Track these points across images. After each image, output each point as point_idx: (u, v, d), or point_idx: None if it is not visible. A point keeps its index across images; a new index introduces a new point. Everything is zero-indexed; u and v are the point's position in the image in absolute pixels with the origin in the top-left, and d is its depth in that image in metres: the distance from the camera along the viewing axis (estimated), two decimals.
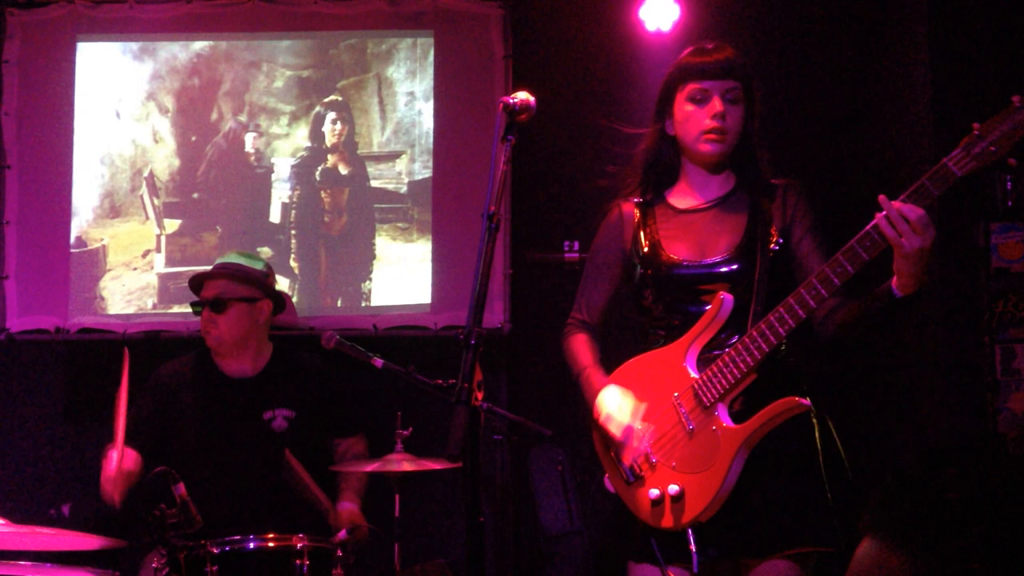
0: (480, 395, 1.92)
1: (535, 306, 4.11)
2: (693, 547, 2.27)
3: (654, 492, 2.33)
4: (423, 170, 4.23)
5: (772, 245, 2.38)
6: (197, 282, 3.44)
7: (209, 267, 3.54)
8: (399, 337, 4.05)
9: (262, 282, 3.43)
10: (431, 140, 4.21)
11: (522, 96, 2.15)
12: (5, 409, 4.07)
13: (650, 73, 4.07)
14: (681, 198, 2.51)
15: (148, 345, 4.07)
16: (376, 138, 4.27)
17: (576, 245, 4.12)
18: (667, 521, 2.31)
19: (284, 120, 4.28)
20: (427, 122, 4.23)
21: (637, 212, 2.51)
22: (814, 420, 2.35)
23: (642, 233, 2.48)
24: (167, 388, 3.38)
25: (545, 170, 4.13)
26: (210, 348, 3.41)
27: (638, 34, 4.12)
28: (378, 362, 3.01)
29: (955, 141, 2.05)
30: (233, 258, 3.49)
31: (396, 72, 4.28)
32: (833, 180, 3.81)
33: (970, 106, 3.53)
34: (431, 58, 4.24)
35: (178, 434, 3.33)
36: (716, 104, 2.39)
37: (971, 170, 2.04)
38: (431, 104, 4.22)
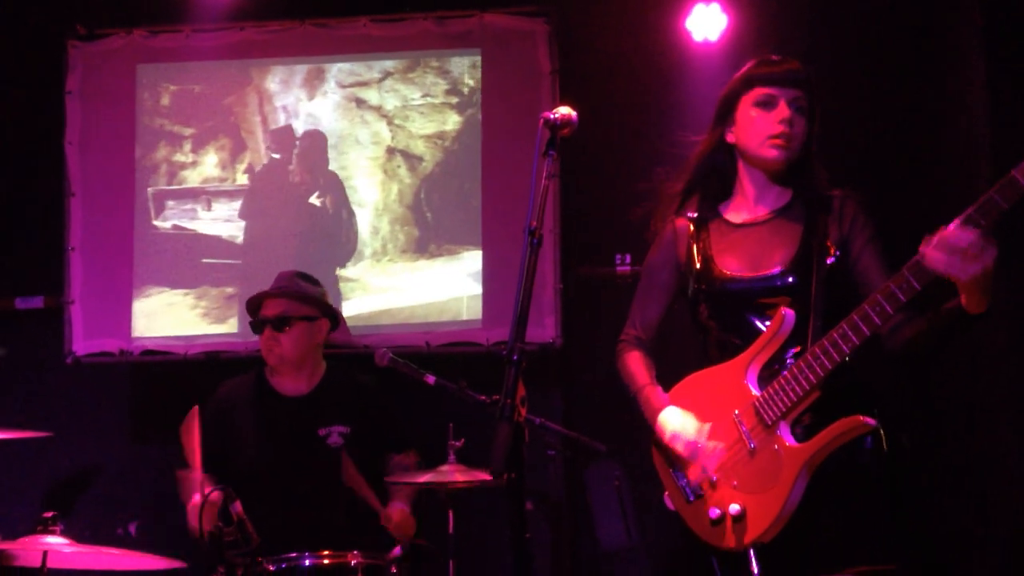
0: (524, 411, 1.92)
1: (587, 320, 4.08)
2: (755, 568, 2.22)
3: (715, 511, 2.29)
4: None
5: (829, 258, 2.33)
6: (256, 301, 3.48)
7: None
8: (451, 354, 4.07)
9: (321, 301, 3.47)
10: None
11: (563, 111, 2.15)
12: (73, 430, 4.17)
13: (699, 83, 4.05)
14: (736, 212, 2.47)
15: (208, 365, 4.16)
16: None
17: (628, 258, 4.10)
18: (729, 541, 2.27)
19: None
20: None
21: (691, 227, 2.48)
22: (882, 434, 2.29)
23: (695, 248, 2.46)
24: (223, 409, 3.43)
25: (595, 183, 4.11)
26: (269, 367, 3.45)
27: (685, 44, 4.10)
28: (430, 379, 3.04)
29: (1014, 150, 2.00)
30: (292, 277, 3.51)
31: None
32: (889, 188, 3.74)
33: None
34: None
35: (235, 453, 3.37)
36: (784, 109, 2.37)
37: None
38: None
